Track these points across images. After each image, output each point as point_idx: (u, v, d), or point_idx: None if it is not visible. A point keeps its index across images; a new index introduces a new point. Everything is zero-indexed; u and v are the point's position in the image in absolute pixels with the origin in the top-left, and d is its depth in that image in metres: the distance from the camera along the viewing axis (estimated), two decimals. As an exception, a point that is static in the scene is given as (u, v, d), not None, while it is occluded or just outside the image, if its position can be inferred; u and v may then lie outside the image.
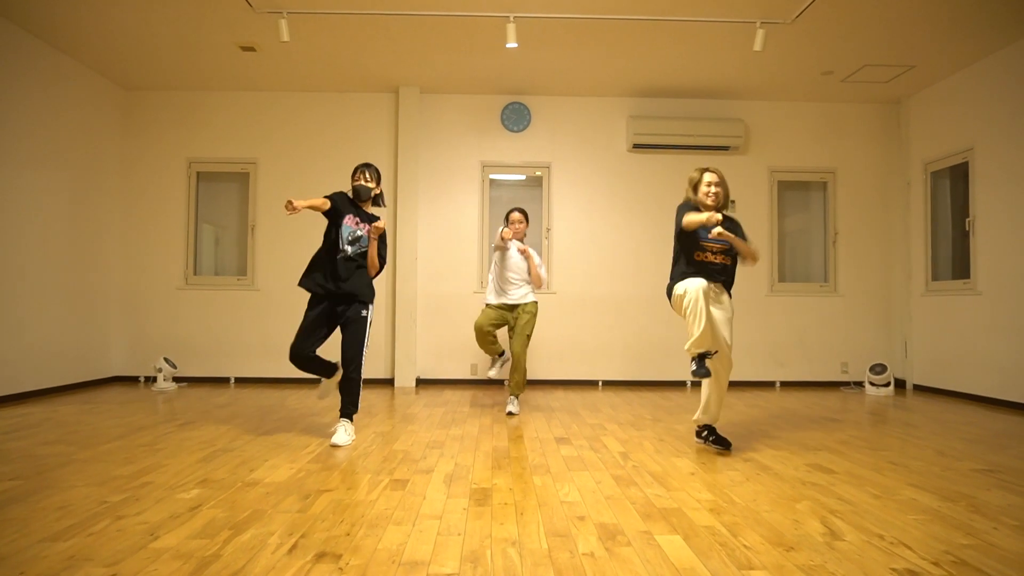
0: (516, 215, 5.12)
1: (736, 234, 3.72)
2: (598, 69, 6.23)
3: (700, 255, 3.73)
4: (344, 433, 3.85)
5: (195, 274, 6.88)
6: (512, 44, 5.21)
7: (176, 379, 6.56)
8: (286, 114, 6.91)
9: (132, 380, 6.76)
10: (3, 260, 5.23)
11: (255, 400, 5.54)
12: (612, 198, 6.96)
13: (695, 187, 3.80)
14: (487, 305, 5.08)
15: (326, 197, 3.90)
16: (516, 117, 6.93)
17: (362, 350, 3.93)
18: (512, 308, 5.03)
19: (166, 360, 6.33)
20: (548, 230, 6.93)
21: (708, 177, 3.76)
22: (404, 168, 6.74)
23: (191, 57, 5.99)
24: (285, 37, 5.11)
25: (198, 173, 6.91)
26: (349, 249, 3.93)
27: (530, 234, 6.92)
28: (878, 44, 5.55)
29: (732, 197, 6.87)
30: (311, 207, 3.75)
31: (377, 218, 4.04)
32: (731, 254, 3.77)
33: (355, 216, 3.97)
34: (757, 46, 5.23)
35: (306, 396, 5.81)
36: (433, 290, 6.85)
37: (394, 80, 6.60)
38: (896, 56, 5.79)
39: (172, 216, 6.84)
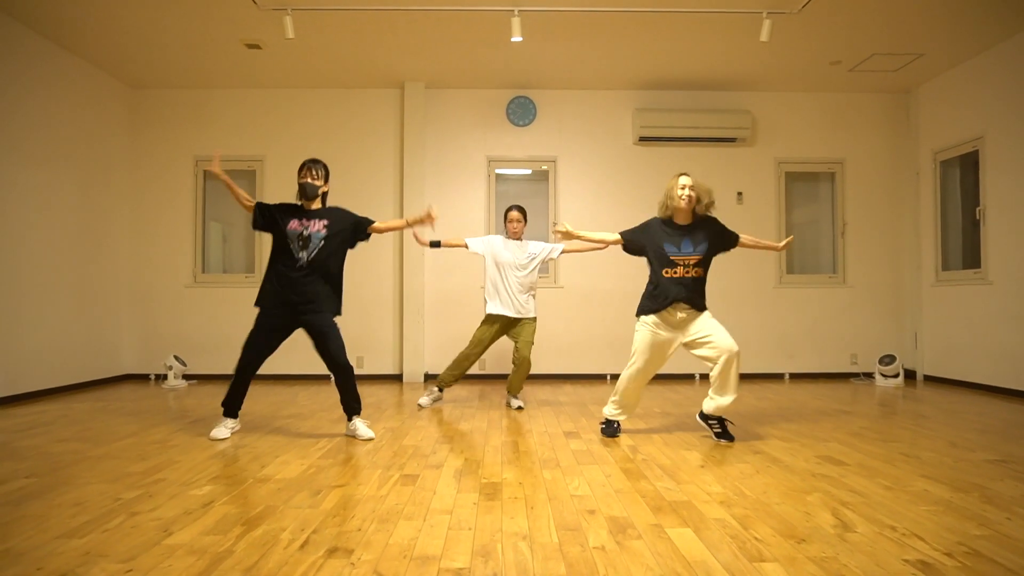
0: (514, 214, 4.96)
1: (715, 231, 3.87)
2: (603, 62, 6.21)
3: (669, 271, 3.79)
4: (367, 428, 3.93)
5: (203, 272, 6.91)
6: (517, 38, 5.19)
7: (186, 376, 6.60)
8: (292, 111, 6.92)
9: (143, 378, 6.80)
10: (13, 259, 5.26)
11: (265, 397, 5.56)
12: (619, 191, 6.94)
13: (669, 192, 3.85)
14: (491, 315, 4.88)
15: (254, 204, 3.87)
16: (522, 111, 6.91)
17: (345, 356, 3.90)
18: (515, 321, 4.91)
19: (176, 358, 6.38)
20: (555, 224, 6.92)
21: (683, 180, 3.82)
22: (410, 163, 6.74)
23: (197, 55, 6.01)
24: (290, 34, 5.10)
25: (205, 171, 6.93)
26: (304, 255, 3.82)
27: (536, 228, 6.95)
28: (886, 33, 5.50)
29: (739, 190, 6.91)
30: (231, 188, 3.82)
31: (326, 211, 3.92)
32: (704, 265, 3.82)
33: (298, 219, 3.86)
34: (764, 37, 5.19)
35: (317, 392, 5.84)
36: (440, 285, 6.86)
37: (399, 75, 6.59)
38: (905, 45, 5.74)
39: (180, 214, 6.87)
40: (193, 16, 5.20)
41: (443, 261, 6.87)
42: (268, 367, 6.65)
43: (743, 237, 3.98)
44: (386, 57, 6.09)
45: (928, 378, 6.65)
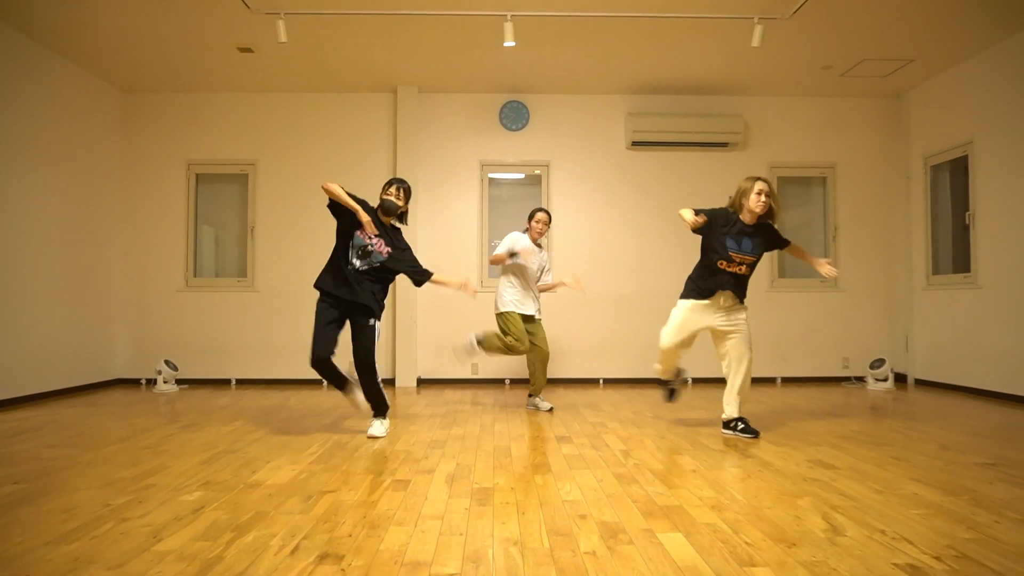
0: (542, 215, 5.04)
1: (771, 238, 4.07)
2: (596, 66, 6.23)
3: (724, 264, 3.98)
4: (380, 425, 4.08)
5: (195, 276, 6.89)
6: (510, 43, 5.20)
7: (177, 381, 6.57)
8: (285, 115, 6.91)
9: (134, 382, 6.77)
10: (6, 263, 5.24)
11: (256, 401, 5.54)
12: (611, 196, 6.95)
13: (744, 194, 4.01)
14: (511, 313, 4.90)
15: (355, 202, 3.89)
16: (515, 115, 6.93)
17: (373, 358, 4.02)
18: (530, 319, 5.04)
19: (167, 362, 6.34)
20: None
21: (761, 185, 3.98)
22: (403, 168, 6.74)
23: (190, 59, 6.00)
24: (283, 38, 5.10)
25: (197, 175, 6.91)
26: (357, 263, 3.93)
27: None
28: (877, 38, 5.54)
29: (731, 194, 6.90)
30: (340, 198, 3.84)
31: (397, 238, 4.06)
32: (754, 266, 4.05)
33: (375, 232, 3.95)
34: (755, 42, 5.22)
35: (308, 397, 5.82)
36: (433, 290, 6.75)
37: (392, 80, 6.59)
38: (895, 50, 5.78)
39: (172, 218, 6.85)
40: (186, 20, 5.19)
41: (435, 265, 6.84)
42: (260, 371, 6.70)
43: (793, 244, 4.20)
44: (379, 61, 6.09)
45: (919, 382, 6.68)
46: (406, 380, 6.67)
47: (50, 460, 3.42)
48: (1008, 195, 5.57)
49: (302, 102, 6.92)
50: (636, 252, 6.88)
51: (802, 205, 7.23)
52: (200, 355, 6.76)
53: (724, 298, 4.01)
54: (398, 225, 4.19)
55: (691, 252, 4.45)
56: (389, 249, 4.00)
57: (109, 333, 6.63)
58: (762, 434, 4.10)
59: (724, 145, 6.85)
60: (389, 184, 4.05)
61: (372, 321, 3.98)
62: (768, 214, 4.00)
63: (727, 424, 4.12)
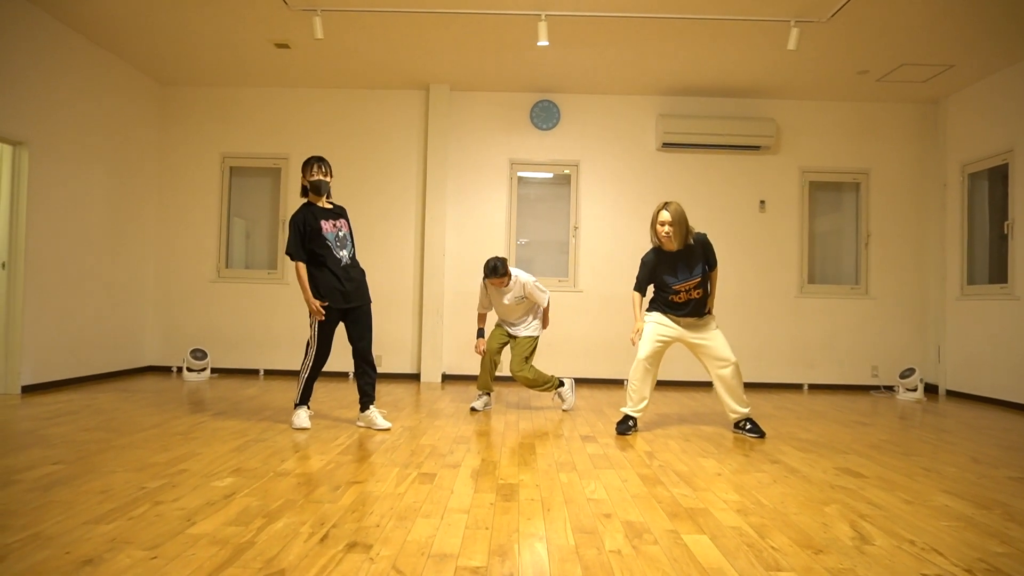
0: (496, 279, 4.71)
1: (704, 257, 4.07)
2: (628, 67, 6.21)
3: (674, 297, 4.10)
4: (383, 418, 4.20)
5: (227, 267, 7.01)
6: (543, 42, 5.22)
7: (208, 370, 6.69)
8: (318, 110, 7.00)
9: (166, 370, 6.92)
10: (45, 252, 5.38)
11: (284, 392, 5.63)
12: (641, 197, 6.93)
13: (652, 224, 4.06)
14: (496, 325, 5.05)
15: (291, 247, 3.93)
16: (545, 115, 6.93)
17: None
18: (512, 336, 4.99)
19: (195, 351, 6.45)
20: (576, 228, 6.93)
21: (663, 216, 3.98)
22: (433, 165, 6.79)
23: (226, 53, 6.10)
24: (319, 34, 5.17)
25: (231, 168, 7.03)
26: (345, 254, 4.01)
27: (557, 232, 6.98)
28: (916, 43, 5.45)
29: (761, 198, 6.88)
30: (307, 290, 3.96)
31: (340, 209, 4.13)
32: (704, 285, 4.10)
33: (327, 219, 4.00)
34: (791, 45, 5.17)
35: (335, 389, 5.89)
36: (460, 287, 6.89)
37: (425, 77, 6.64)
38: (935, 55, 5.68)
39: (205, 210, 6.98)
40: (225, 16, 5.29)
41: (463, 263, 6.90)
42: (288, 363, 6.80)
43: (715, 272, 4.18)
44: (412, 59, 6.14)
45: (951, 393, 6.56)
46: (431, 376, 6.72)
47: (87, 443, 3.52)
48: (1048, 205, 5.44)
49: (335, 98, 7.00)
50: (664, 254, 6.85)
51: (834, 211, 7.13)
52: (230, 345, 6.88)
53: (686, 322, 4.15)
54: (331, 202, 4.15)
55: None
56: (344, 222, 4.10)
57: (142, 321, 6.78)
58: (788, 440, 4.06)
59: (756, 148, 6.79)
60: (311, 165, 3.98)
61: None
62: (684, 240, 4.00)
63: (736, 425, 4.28)
